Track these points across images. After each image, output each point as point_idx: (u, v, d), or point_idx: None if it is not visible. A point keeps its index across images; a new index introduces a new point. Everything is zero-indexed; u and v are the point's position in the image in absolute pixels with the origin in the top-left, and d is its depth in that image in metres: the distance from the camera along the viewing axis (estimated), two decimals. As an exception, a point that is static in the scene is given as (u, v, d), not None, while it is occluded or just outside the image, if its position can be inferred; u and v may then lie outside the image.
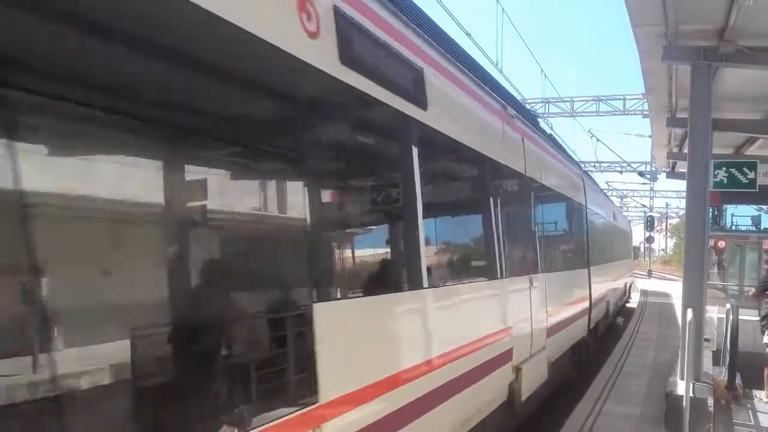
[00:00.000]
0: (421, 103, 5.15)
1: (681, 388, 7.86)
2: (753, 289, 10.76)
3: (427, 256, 5.25)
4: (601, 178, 39.06)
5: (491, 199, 7.17)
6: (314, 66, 3.71)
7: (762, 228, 28.11)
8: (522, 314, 7.88)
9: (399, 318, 4.85)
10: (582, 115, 32.73)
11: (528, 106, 31.03)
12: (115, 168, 2.80)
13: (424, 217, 5.17)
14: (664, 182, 64.09)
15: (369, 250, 4.96)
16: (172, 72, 3.01)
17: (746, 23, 7.86)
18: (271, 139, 3.70)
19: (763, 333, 10.03)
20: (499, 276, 7.11)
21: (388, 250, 5.23)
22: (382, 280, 4.75)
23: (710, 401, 8.10)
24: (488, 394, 6.71)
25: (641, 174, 41.33)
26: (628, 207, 57.91)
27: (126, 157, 2.83)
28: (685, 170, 9.55)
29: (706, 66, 8.70)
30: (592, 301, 13.65)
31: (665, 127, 14.35)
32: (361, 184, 4.82)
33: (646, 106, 21.32)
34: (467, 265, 6.94)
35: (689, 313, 8.17)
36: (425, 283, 5.12)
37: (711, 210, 14.38)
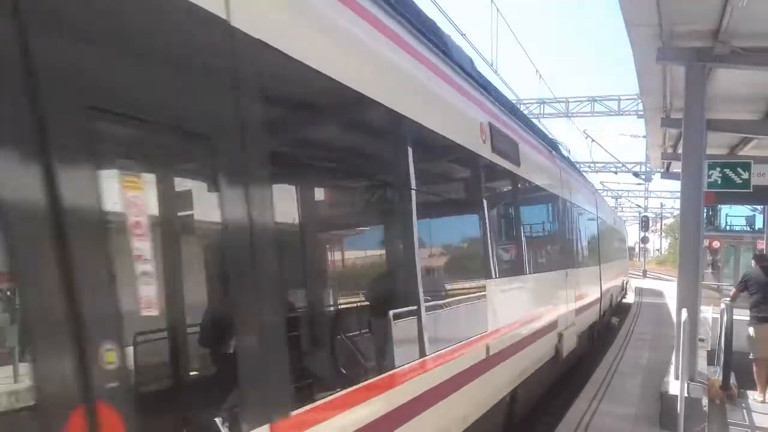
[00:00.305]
0: (518, 163, 8.46)
1: (676, 387, 7.87)
2: (733, 290, 10.75)
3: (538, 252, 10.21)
4: (596, 179, 39.14)
5: (560, 220, 12.08)
6: (484, 156, 6.94)
7: (756, 228, 28.22)
8: (564, 298, 11.47)
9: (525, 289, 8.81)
10: (577, 116, 32.81)
11: (523, 107, 31.11)
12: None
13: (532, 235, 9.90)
14: (658, 182, 64.15)
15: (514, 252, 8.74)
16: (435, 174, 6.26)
17: (740, 24, 7.88)
18: (464, 195, 7.04)
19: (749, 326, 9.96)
20: (565, 267, 11.67)
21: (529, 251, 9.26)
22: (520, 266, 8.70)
23: (705, 401, 8.12)
24: (549, 343, 10.21)
25: (636, 174, 41.45)
26: (623, 207, 58.08)
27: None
28: (680, 170, 9.58)
29: (700, 67, 8.73)
30: (602, 292, 17.23)
31: (660, 128, 14.39)
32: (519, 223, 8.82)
33: (640, 107, 21.38)
34: (553, 259, 11.22)
35: (684, 312, 8.19)
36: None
37: (705, 210, 14.44)
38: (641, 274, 47.41)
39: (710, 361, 11.11)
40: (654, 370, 11.25)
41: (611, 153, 61.20)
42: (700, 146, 8.91)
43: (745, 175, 9.92)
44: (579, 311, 12.92)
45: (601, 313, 17.53)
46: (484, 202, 6.99)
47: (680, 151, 10.52)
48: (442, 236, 6.23)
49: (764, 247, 18.94)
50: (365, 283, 4.68)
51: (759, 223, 27.37)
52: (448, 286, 6.15)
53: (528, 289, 8.91)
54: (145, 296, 2.50)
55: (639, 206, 59.54)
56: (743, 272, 11.89)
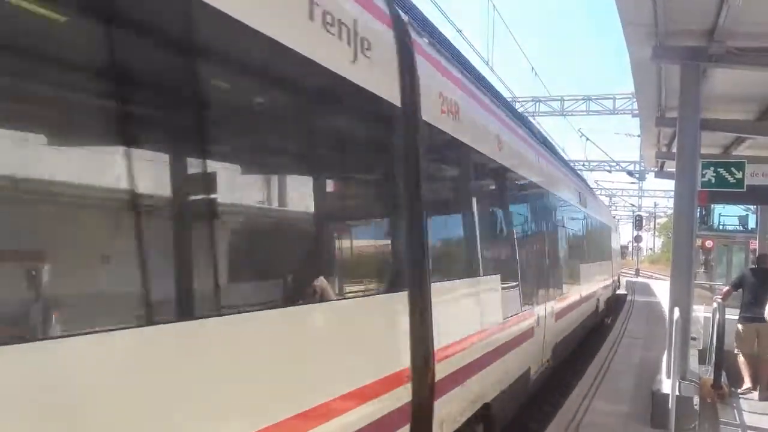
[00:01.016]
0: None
1: (667, 386, 7.90)
2: (726, 288, 10.82)
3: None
4: (590, 177, 39.20)
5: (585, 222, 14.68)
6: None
7: (749, 228, 28.32)
8: (604, 276, 18.45)
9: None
10: (572, 114, 32.84)
11: (518, 105, 31.10)
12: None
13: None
14: (652, 182, 64.29)
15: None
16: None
17: (736, 24, 7.89)
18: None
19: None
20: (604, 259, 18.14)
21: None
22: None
23: (696, 400, 8.14)
24: (592, 304, 14.88)
25: (630, 173, 41.56)
26: (616, 206, 58.23)
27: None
28: (674, 170, 9.60)
29: (695, 66, 8.74)
30: (613, 278, 24.33)
31: (654, 127, 14.42)
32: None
33: (635, 106, 21.42)
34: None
35: (676, 311, 8.21)
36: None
37: (699, 210, 14.47)
38: (634, 273, 47.56)
39: (702, 360, 11.14)
40: (646, 369, 11.28)
41: (605, 151, 61.30)
42: (695, 146, 8.93)
43: (739, 175, 9.95)
44: (605, 288, 21.03)
45: (613, 292, 23.41)
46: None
47: (674, 150, 10.54)
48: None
49: (757, 247, 19.01)
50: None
51: (752, 223, 27.47)
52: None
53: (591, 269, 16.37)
54: None
55: (633, 205, 59.77)
56: (741, 271, 11.93)
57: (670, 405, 7.67)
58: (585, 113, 32.59)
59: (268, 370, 3.21)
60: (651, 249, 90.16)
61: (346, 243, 4.72)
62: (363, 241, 4.96)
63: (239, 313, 3.07)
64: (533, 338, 8.78)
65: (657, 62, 9.20)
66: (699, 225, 22.77)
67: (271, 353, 3.25)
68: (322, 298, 3.81)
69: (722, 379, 9.77)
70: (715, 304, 11.03)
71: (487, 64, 17.56)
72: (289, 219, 3.95)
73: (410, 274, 4.71)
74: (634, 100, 21.44)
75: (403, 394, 4.48)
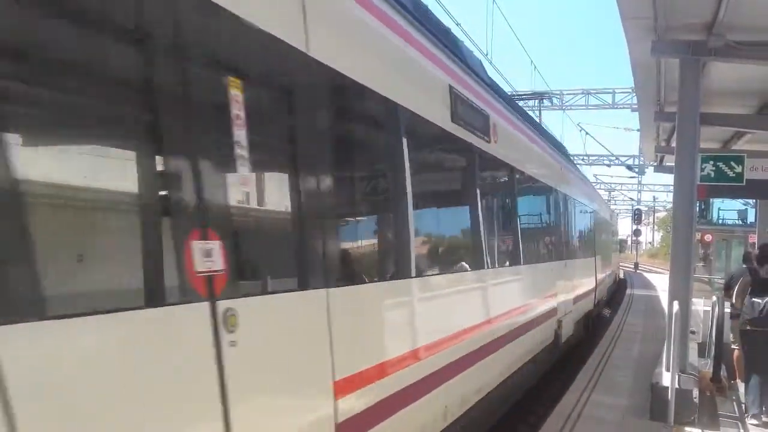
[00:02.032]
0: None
1: (666, 379, 7.93)
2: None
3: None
4: (589, 171, 39.22)
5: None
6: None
7: (748, 222, 28.33)
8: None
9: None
10: (571, 108, 32.83)
11: (517, 99, 31.01)
12: None
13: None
14: (651, 176, 64.24)
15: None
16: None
17: (735, 17, 7.90)
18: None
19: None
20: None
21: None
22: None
23: (695, 392, 8.17)
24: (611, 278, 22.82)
25: (629, 167, 41.56)
26: (616, 200, 58.27)
27: None
28: (673, 164, 9.61)
29: (694, 60, 8.75)
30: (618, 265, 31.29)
31: (653, 121, 14.42)
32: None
33: (634, 100, 21.42)
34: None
35: (675, 305, 8.23)
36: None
37: (698, 204, 14.48)
38: (633, 267, 47.62)
39: (701, 354, 11.18)
40: (645, 362, 11.32)
41: (604, 146, 61.32)
42: (694, 140, 8.94)
43: (738, 169, 9.97)
44: (615, 271, 30.10)
45: (619, 277, 34.62)
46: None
47: (674, 144, 10.55)
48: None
49: (756, 241, 19.03)
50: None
51: (751, 217, 27.49)
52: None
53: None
54: None
55: (632, 199, 59.82)
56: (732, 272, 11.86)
57: (669, 398, 7.70)
58: (584, 107, 32.57)
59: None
60: (650, 243, 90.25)
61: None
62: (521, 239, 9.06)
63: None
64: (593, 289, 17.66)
65: (656, 56, 9.20)
66: (698, 219, 22.79)
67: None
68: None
69: (721, 373, 9.80)
70: (714, 298, 11.05)
71: (486, 56, 17.58)
72: (457, 228, 7.08)
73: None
74: (634, 94, 21.44)
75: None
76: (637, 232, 53.69)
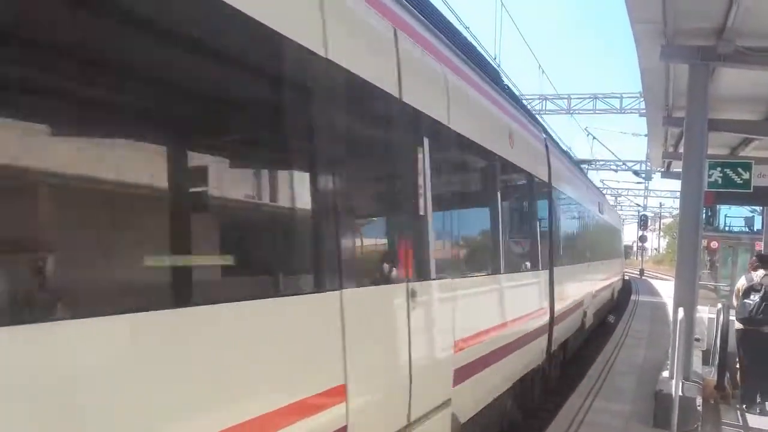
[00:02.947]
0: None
1: (670, 386, 7.87)
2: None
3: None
4: (596, 177, 39.13)
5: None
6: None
7: (755, 229, 28.18)
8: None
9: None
10: (579, 113, 32.75)
11: (525, 102, 30.95)
12: None
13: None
14: (658, 182, 64.17)
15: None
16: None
17: (745, 23, 7.85)
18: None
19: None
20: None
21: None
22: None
23: (699, 400, 8.12)
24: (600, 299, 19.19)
25: (636, 173, 41.41)
26: (622, 206, 58.08)
27: None
28: (680, 170, 9.55)
29: (703, 66, 8.69)
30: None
31: (661, 126, 14.36)
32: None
33: (642, 105, 21.33)
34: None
35: (680, 312, 8.18)
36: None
37: (705, 210, 14.41)
38: (638, 273, 47.45)
39: (705, 361, 11.12)
40: (649, 369, 11.26)
41: (612, 151, 61.12)
42: (702, 146, 8.88)
43: (746, 176, 9.90)
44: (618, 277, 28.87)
45: (625, 279, 34.45)
46: None
47: (681, 150, 10.49)
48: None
49: (762, 248, 18.93)
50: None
51: (758, 225, 27.34)
52: None
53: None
54: None
55: (638, 205, 59.63)
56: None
57: (673, 405, 7.65)
58: (591, 112, 32.48)
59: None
60: (656, 249, 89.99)
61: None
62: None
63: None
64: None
65: (665, 61, 9.15)
66: (705, 226, 22.66)
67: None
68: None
69: (726, 381, 9.74)
70: (719, 305, 10.99)
71: (494, 60, 17.51)
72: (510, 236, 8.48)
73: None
74: (642, 99, 21.35)
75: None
76: (642, 238, 53.49)
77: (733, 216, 31.20)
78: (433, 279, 5.31)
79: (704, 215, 14.61)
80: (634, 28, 8.62)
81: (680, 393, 7.73)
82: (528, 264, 9.06)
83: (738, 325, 9.36)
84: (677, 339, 8.03)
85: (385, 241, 5.04)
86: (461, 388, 5.74)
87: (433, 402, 5.23)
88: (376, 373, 4.33)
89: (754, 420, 8.85)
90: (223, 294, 3.02)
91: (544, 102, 32.13)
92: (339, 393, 3.75)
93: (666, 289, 28.62)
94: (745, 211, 29.28)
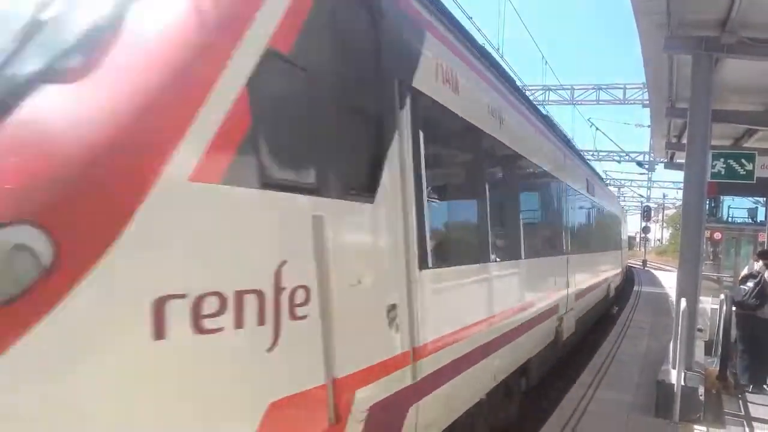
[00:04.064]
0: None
1: (672, 376, 7.92)
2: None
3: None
4: (599, 167, 39.11)
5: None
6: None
7: (758, 221, 28.15)
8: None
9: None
10: (582, 104, 32.69)
11: (528, 93, 30.95)
12: None
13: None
14: (661, 173, 63.94)
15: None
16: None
17: (749, 14, 7.84)
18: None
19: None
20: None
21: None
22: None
23: (701, 390, 8.16)
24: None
25: (639, 164, 41.38)
26: (625, 196, 58.03)
27: None
28: (683, 161, 9.56)
29: (707, 56, 8.68)
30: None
31: (665, 117, 14.35)
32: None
33: (646, 96, 21.31)
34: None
35: (683, 302, 8.21)
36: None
37: (708, 201, 14.39)
38: (641, 264, 47.46)
39: (708, 352, 11.15)
40: (651, 359, 11.30)
41: (615, 141, 61.01)
42: (705, 137, 8.89)
43: (749, 167, 9.90)
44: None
45: (625, 269, 31.20)
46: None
47: (684, 141, 10.49)
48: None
49: (765, 239, 18.93)
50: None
51: (761, 216, 27.30)
52: None
53: None
54: None
55: (641, 196, 59.57)
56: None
57: (675, 395, 7.69)
58: (595, 103, 32.44)
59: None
60: (659, 240, 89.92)
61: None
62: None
63: None
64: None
65: (669, 52, 9.14)
66: (708, 217, 22.63)
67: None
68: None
69: (728, 371, 9.78)
70: (722, 296, 11.03)
71: (497, 50, 17.50)
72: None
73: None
74: (645, 90, 21.32)
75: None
76: (646, 229, 53.46)
77: (736, 207, 31.16)
78: (568, 254, 11.29)
79: (707, 206, 14.63)
80: (638, 19, 8.62)
81: (682, 383, 7.77)
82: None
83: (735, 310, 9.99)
84: (680, 329, 8.06)
85: (564, 236, 11.33)
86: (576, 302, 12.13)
87: (571, 303, 11.58)
88: (578, 286, 12.10)
89: (756, 410, 8.89)
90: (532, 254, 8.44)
91: (547, 93, 32.09)
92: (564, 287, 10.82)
93: (669, 280, 28.63)
94: (748, 202, 29.25)
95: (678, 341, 8.05)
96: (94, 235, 2.31)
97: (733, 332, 10.12)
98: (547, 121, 11.93)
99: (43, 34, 2.66)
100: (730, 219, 31.42)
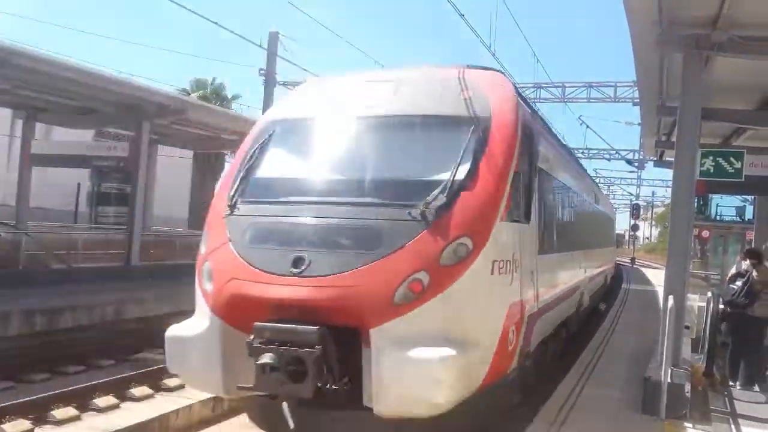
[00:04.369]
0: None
1: (659, 373, 7.95)
2: None
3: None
4: (589, 166, 39.24)
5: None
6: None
7: (746, 219, 28.30)
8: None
9: None
10: (573, 101, 32.73)
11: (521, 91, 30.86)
12: None
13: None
14: (651, 171, 64.41)
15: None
16: None
17: (739, 12, 7.86)
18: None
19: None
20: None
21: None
22: None
23: (687, 387, 8.19)
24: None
25: (629, 162, 41.53)
26: (614, 194, 58.24)
27: None
28: (673, 159, 9.58)
29: (698, 54, 8.70)
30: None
31: (655, 115, 14.39)
32: None
33: (636, 94, 21.35)
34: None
35: (670, 299, 8.24)
36: None
37: (696, 200, 14.47)
38: (630, 261, 47.66)
39: (694, 349, 11.21)
40: (638, 356, 11.34)
41: (605, 139, 61.24)
42: (695, 135, 8.91)
43: (738, 165, 9.91)
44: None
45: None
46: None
47: (674, 139, 10.52)
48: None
49: (753, 237, 19.05)
50: None
51: (749, 214, 27.45)
52: None
53: None
54: None
55: (631, 194, 59.82)
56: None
57: (661, 392, 7.72)
58: (586, 100, 32.46)
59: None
60: (647, 238, 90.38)
61: None
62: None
63: None
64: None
65: (660, 50, 9.15)
66: (696, 215, 22.72)
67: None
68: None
69: (714, 368, 9.83)
70: (709, 294, 11.09)
71: (489, 49, 17.50)
72: None
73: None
74: (635, 88, 21.37)
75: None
76: (635, 227, 53.68)
77: (724, 205, 31.32)
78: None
79: (696, 204, 14.69)
80: (629, 17, 8.62)
81: (669, 380, 7.80)
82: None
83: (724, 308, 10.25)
84: (667, 327, 8.09)
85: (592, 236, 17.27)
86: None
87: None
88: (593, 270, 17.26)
89: (741, 407, 8.94)
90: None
91: (538, 90, 32.08)
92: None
93: (657, 277, 28.77)
94: (736, 200, 29.41)
95: (665, 338, 8.08)
96: (483, 239, 6.55)
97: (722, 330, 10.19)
98: (582, 166, 21.59)
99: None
100: (718, 217, 31.59)
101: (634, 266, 45.41)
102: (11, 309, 12.03)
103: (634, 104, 26.92)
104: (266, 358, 5.92)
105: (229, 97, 41.04)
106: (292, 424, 6.13)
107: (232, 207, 7.10)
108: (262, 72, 32.98)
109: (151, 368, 10.43)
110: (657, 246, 72.59)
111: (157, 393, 9.61)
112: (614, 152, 41.11)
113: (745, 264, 10.15)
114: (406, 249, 6.23)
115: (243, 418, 9.56)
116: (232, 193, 7.20)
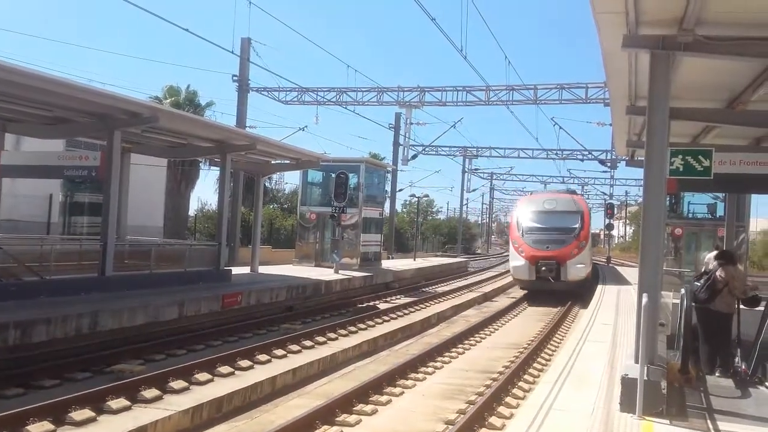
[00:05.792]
0: None
1: (635, 371, 8.01)
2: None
3: None
4: (563, 166, 39.61)
5: None
6: None
7: (717, 216, 28.77)
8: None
9: None
10: (545, 103, 33.04)
11: (492, 93, 31.22)
12: None
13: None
14: (624, 170, 65.21)
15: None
16: None
17: (705, 12, 7.96)
18: None
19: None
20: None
21: None
22: None
23: (664, 384, 8.27)
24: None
25: (602, 162, 42.00)
26: (588, 194, 58.85)
27: None
28: (644, 158, 9.67)
29: (664, 55, 8.79)
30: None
31: (625, 115, 14.52)
32: None
33: (607, 95, 21.58)
34: None
35: (645, 297, 8.31)
36: None
37: (669, 198, 14.69)
38: (605, 260, 48.17)
39: (670, 346, 11.33)
40: (616, 355, 11.43)
41: (578, 140, 61.88)
42: (664, 134, 9.01)
43: (707, 163, 10.02)
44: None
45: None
46: None
47: (644, 139, 10.61)
48: None
49: (724, 234, 19.33)
50: None
51: (720, 211, 27.91)
52: None
53: None
54: None
55: (605, 194, 60.47)
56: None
57: (638, 389, 7.79)
58: (558, 102, 32.82)
59: None
60: (622, 237, 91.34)
61: None
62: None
63: None
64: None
65: (627, 50, 9.24)
66: (669, 213, 23.07)
67: None
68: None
69: (690, 364, 9.94)
70: (682, 291, 11.22)
71: (461, 52, 17.57)
72: None
73: None
74: (606, 89, 21.61)
75: None
76: (609, 227, 54.26)
77: (696, 203, 31.85)
78: None
79: (668, 203, 14.88)
80: (596, 18, 8.68)
81: (645, 377, 7.87)
82: None
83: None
84: (642, 324, 8.16)
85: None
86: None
87: None
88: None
89: (717, 402, 9.05)
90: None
91: (511, 93, 32.37)
92: None
93: (632, 276, 29.14)
94: (707, 198, 29.89)
95: (640, 336, 8.15)
96: (586, 242, 30.21)
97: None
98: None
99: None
100: (690, 215, 32.07)
101: (610, 265, 45.89)
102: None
103: (605, 105, 27.25)
104: (541, 269, 28.35)
105: (203, 104, 40.75)
106: None
107: (522, 233, 29.38)
108: (235, 78, 32.80)
109: (128, 380, 10.29)
110: (632, 244, 73.37)
111: (134, 405, 9.49)
112: (587, 153, 41.63)
113: (713, 263, 11.00)
114: (572, 242, 28.61)
115: (222, 428, 9.50)
116: (520, 231, 29.68)
